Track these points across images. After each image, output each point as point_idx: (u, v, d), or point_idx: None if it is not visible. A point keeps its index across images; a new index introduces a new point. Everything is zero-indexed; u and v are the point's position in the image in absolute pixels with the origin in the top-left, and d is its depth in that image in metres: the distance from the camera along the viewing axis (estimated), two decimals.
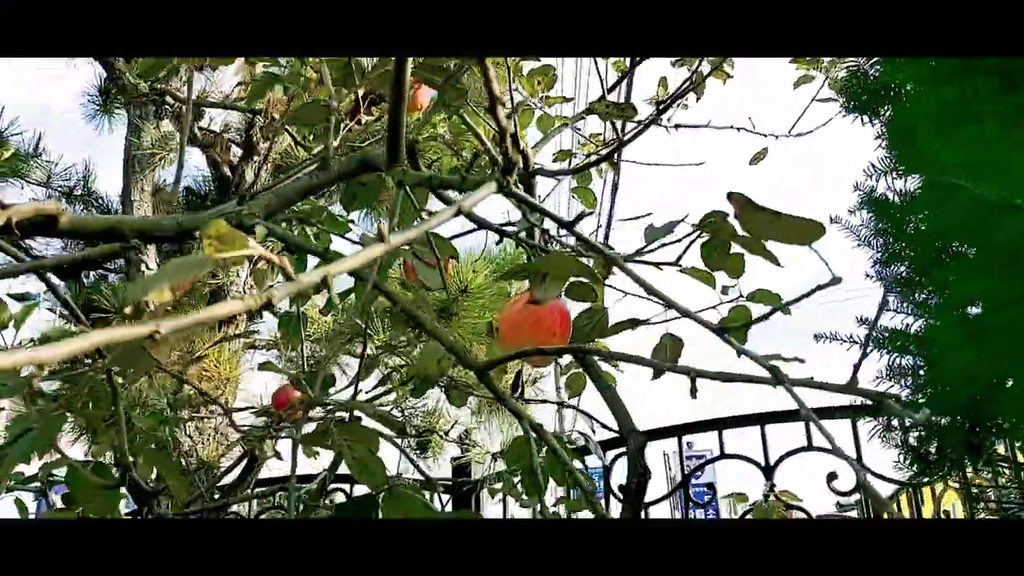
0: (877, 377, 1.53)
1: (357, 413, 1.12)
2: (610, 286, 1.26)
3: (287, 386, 1.96)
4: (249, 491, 2.03)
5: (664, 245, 1.26)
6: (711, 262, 1.22)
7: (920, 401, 1.41)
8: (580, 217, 0.62)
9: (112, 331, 0.38)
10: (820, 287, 0.62)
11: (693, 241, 1.24)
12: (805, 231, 0.43)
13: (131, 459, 1.04)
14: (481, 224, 1.26)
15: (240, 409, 2.06)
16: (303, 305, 1.89)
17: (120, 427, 1.02)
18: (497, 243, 1.54)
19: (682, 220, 0.95)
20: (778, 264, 1.19)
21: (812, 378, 0.51)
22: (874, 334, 1.64)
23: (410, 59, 0.75)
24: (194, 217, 0.79)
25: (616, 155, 2.29)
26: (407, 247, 1.11)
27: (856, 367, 0.61)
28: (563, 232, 1.23)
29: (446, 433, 2.51)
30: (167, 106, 3.24)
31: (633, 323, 1.28)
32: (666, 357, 1.25)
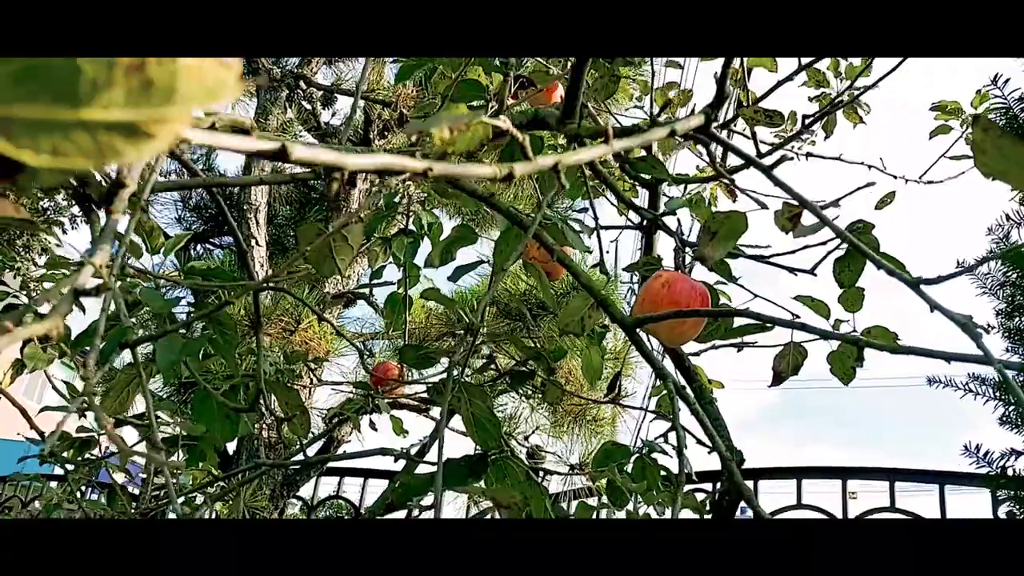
0: (1002, 424, 1.49)
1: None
2: (741, 286, 1.26)
3: (387, 363, 2.01)
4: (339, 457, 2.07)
5: (797, 251, 1.26)
6: (843, 277, 1.21)
7: None
8: (780, 161, 0.63)
9: (388, 158, 0.41)
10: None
11: (831, 252, 1.23)
12: None
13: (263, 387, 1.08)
14: (624, 200, 1.28)
15: (336, 383, 2.11)
16: (412, 287, 1.93)
17: (260, 352, 1.07)
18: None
19: (833, 203, 0.94)
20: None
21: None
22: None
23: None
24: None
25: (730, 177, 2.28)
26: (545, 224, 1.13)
27: None
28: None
29: (526, 438, 2.52)
30: (299, 90, 3.37)
31: (759, 328, 1.28)
32: (788, 367, 1.25)
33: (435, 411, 1.30)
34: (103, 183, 0.68)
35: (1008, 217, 1.62)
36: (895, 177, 1.91)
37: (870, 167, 1.87)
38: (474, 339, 1.46)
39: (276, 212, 3.73)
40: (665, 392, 1.85)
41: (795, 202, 0.65)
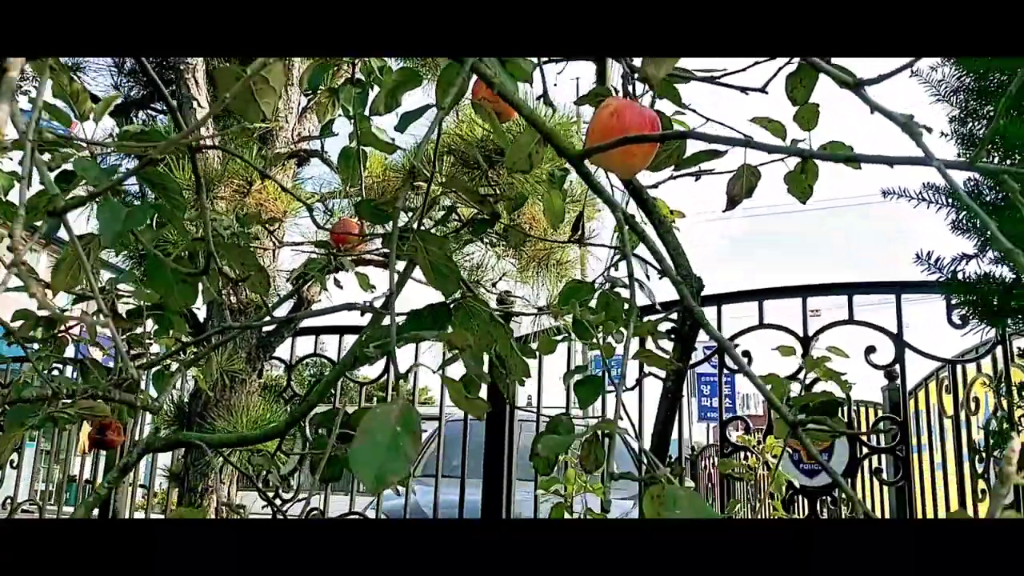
0: (954, 230, 1.52)
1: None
2: (692, 111, 1.24)
3: (346, 220, 1.98)
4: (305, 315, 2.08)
5: (748, 68, 1.23)
6: (796, 94, 1.19)
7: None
8: None
9: None
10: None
11: (781, 68, 1.20)
12: None
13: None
14: None
15: (296, 244, 2.09)
16: (364, 139, 1.88)
17: (204, 213, 1.04)
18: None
19: None
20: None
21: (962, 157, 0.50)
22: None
23: None
24: None
25: None
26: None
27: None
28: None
29: (494, 284, 2.55)
30: None
31: (711, 154, 1.27)
32: (742, 190, 1.24)
33: (399, 265, 1.28)
34: None
35: None
36: None
37: None
38: (429, 186, 1.43)
39: (216, 69, 3.57)
40: (629, 230, 1.85)
41: None
